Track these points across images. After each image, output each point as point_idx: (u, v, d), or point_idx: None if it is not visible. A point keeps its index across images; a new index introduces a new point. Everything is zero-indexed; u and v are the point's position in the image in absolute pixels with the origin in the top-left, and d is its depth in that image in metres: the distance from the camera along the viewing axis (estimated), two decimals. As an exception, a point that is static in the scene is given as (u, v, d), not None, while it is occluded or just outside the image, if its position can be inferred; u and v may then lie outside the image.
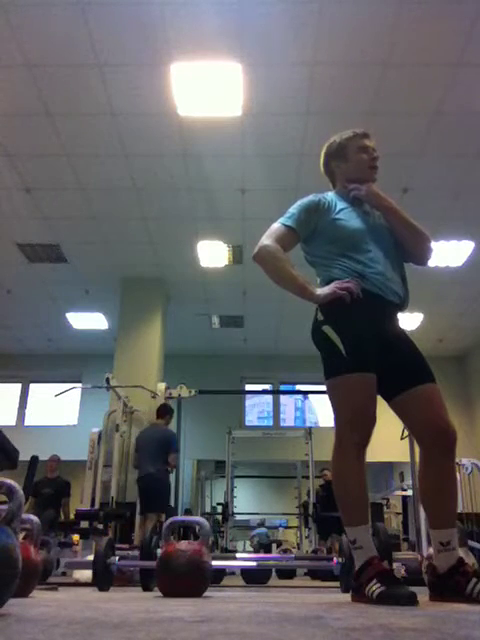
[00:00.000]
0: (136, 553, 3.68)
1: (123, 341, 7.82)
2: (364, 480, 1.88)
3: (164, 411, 6.07)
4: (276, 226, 2.09)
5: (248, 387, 11.19)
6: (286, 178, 5.88)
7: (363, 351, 1.90)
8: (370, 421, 1.87)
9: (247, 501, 12.05)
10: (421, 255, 2.17)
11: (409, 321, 8.97)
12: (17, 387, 11.24)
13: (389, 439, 5.61)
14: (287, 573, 6.83)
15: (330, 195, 2.17)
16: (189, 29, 4.29)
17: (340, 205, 2.12)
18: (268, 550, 9.68)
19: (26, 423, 10.96)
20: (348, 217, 2.08)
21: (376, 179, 2.20)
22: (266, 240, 2.05)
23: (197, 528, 2.85)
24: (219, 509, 9.45)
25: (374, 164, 2.19)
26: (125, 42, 4.42)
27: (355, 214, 2.11)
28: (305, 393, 11.46)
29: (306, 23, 4.24)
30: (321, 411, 11.58)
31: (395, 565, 3.99)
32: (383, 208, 2.14)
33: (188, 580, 2.32)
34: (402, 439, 5.04)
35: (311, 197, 2.12)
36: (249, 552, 9.94)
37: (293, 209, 2.11)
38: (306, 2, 4.10)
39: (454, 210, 6.37)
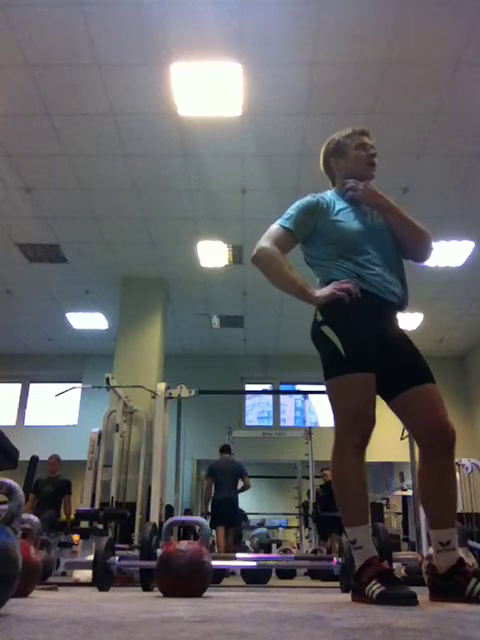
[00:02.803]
0: (136, 553, 3.68)
1: (123, 341, 7.82)
2: (364, 480, 1.88)
3: (228, 448, 7.27)
4: (274, 228, 2.07)
5: (248, 387, 11.19)
6: (286, 178, 5.88)
7: (362, 351, 1.89)
8: (370, 421, 1.86)
9: (247, 501, 12.04)
10: (421, 253, 2.16)
11: (409, 321, 8.96)
12: (17, 387, 11.25)
13: (389, 439, 5.62)
14: (287, 573, 6.83)
15: (329, 195, 2.16)
16: (189, 29, 4.29)
17: (339, 205, 2.10)
18: (268, 550, 9.68)
19: (26, 423, 10.96)
20: (347, 218, 2.07)
21: (374, 176, 2.20)
22: (264, 242, 2.04)
23: (197, 528, 2.85)
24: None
25: (372, 161, 2.18)
26: (125, 42, 4.42)
27: (354, 215, 2.09)
28: (305, 393, 11.47)
29: (306, 23, 4.24)
30: (321, 411, 11.59)
31: (395, 565, 3.99)
32: (380, 207, 2.12)
33: (188, 580, 2.32)
34: (402, 439, 5.06)
35: (309, 198, 2.11)
36: (249, 552, 9.93)
37: (291, 210, 2.09)
38: (306, 2, 4.10)
39: (454, 210, 6.36)
